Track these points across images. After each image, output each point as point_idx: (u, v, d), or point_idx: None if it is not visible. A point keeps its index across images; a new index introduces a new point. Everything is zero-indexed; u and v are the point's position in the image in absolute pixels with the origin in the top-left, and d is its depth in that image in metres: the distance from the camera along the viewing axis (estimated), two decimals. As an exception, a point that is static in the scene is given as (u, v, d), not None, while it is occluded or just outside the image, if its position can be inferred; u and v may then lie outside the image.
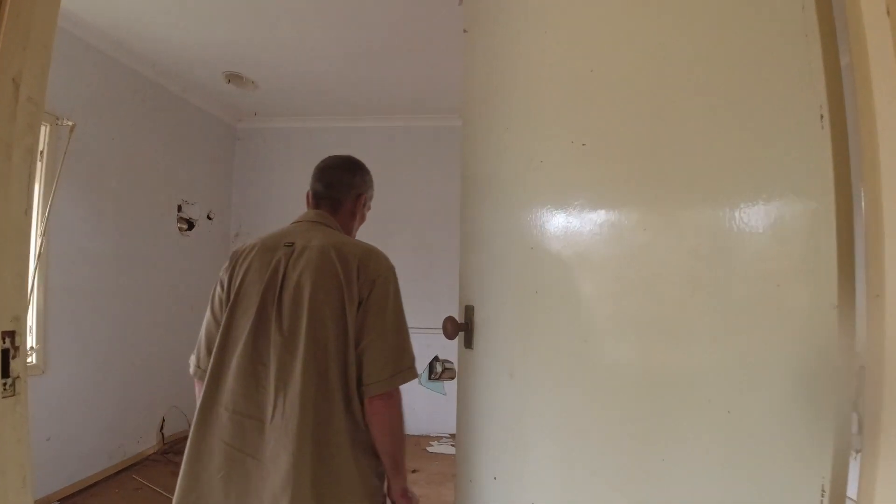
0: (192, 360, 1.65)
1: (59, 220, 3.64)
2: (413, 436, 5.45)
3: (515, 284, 1.16)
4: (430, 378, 5.31)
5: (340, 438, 1.45)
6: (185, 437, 5.07)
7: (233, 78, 4.72)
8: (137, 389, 4.43)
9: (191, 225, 5.14)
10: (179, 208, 4.99)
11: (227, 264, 1.66)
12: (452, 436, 5.40)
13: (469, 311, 1.44)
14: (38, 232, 3.47)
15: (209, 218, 5.40)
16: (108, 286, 4.12)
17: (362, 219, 1.91)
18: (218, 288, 1.65)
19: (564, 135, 0.99)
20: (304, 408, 1.41)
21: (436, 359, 5.16)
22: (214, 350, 1.54)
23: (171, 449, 4.73)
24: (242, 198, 5.79)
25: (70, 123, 3.61)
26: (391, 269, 1.57)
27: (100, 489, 3.95)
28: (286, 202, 5.64)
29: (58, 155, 3.57)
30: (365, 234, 2.14)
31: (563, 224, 1.00)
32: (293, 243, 1.58)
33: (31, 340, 3.50)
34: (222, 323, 1.55)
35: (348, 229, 1.81)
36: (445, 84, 4.63)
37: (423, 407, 5.50)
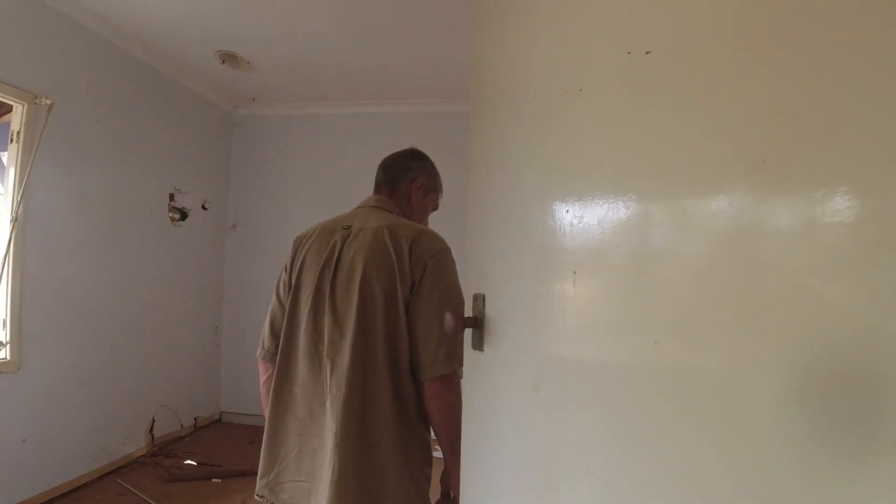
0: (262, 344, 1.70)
1: (37, 206, 3.35)
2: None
3: (545, 262, 0.82)
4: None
5: (386, 424, 1.44)
6: (177, 439, 4.67)
7: (227, 58, 4.42)
8: (124, 388, 4.14)
9: (184, 215, 4.85)
10: (172, 197, 4.70)
11: (291, 250, 1.69)
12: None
13: (479, 301, 1.11)
14: (12, 217, 3.19)
15: (204, 208, 5.11)
16: (92, 278, 3.82)
17: (423, 208, 1.86)
18: (283, 273, 1.68)
19: (617, 41, 0.68)
20: (351, 389, 1.42)
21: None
22: (283, 332, 1.59)
23: (160, 451, 4.44)
24: (240, 187, 5.49)
25: (48, 102, 3.33)
26: (445, 249, 1.55)
27: (80, 495, 3.66)
28: (286, 192, 5.37)
29: (35, 136, 3.29)
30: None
31: (618, 173, 0.68)
32: (350, 226, 1.60)
33: (3, 335, 3.22)
34: (287, 306, 1.60)
35: (407, 214, 1.77)
36: (457, 66, 4.33)
37: (428, 408, 5.19)
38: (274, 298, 1.69)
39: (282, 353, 1.57)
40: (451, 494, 1.56)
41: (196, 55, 4.37)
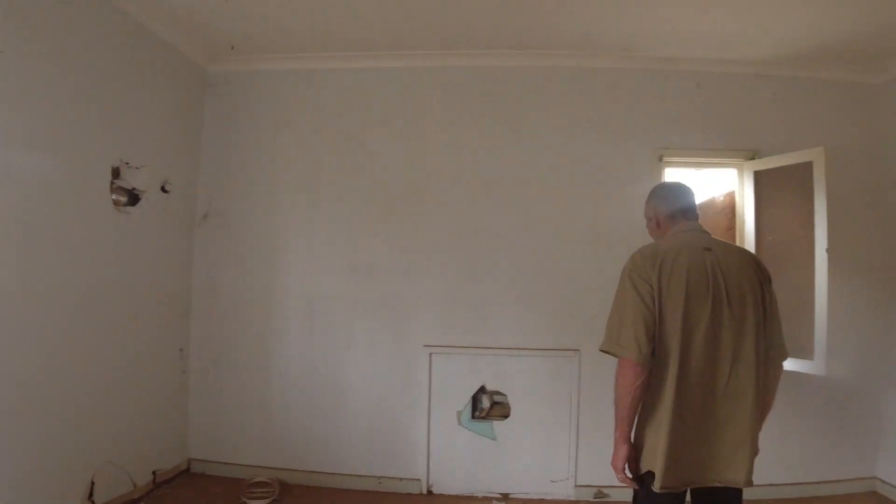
0: (632, 347, 1.92)
1: None
2: (449, 496, 3.84)
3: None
4: (473, 416, 3.79)
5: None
6: (129, 503, 3.56)
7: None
8: (44, 442, 2.82)
9: (134, 198, 3.50)
10: (116, 173, 3.34)
11: (648, 263, 2.01)
12: (505, 496, 3.79)
13: None
14: None
15: (164, 190, 3.76)
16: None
17: None
18: (644, 285, 1.97)
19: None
20: (758, 379, 1.94)
21: (482, 390, 3.54)
22: (678, 337, 1.91)
23: (99, 525, 3.13)
24: (215, 165, 4.14)
25: None
26: None
27: None
28: (275, 174, 4.10)
29: None
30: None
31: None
32: (710, 248, 2.06)
33: None
34: (679, 314, 1.92)
35: None
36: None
37: (464, 456, 3.88)
38: (640, 307, 1.95)
39: (680, 355, 1.90)
40: None
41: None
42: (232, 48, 3.99)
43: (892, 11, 3.19)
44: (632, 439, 2.02)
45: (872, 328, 3.95)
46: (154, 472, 3.74)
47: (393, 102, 4.04)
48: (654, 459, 1.91)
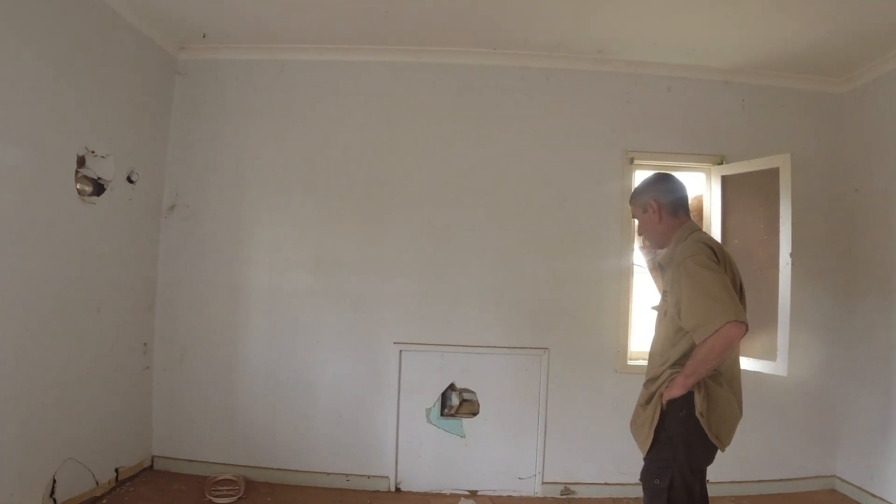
0: (742, 312, 2.11)
1: None
2: (417, 493, 3.99)
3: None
4: (442, 413, 3.92)
5: None
6: (90, 501, 3.60)
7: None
8: (6, 438, 2.87)
9: (99, 188, 3.55)
10: (82, 161, 3.39)
11: (714, 255, 2.25)
12: (473, 493, 3.96)
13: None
14: None
15: (130, 181, 3.81)
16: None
17: None
18: (720, 270, 2.20)
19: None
20: None
21: (451, 387, 3.62)
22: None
23: (61, 524, 3.19)
24: (183, 156, 4.19)
25: None
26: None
27: None
28: (242, 165, 4.15)
29: None
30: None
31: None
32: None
33: None
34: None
35: None
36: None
37: (432, 454, 4.03)
38: (728, 282, 2.17)
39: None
40: None
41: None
42: (203, 36, 4.05)
43: (858, 23, 3.41)
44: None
45: (832, 330, 4.21)
46: (117, 470, 3.80)
47: (365, 97, 4.15)
48: (721, 422, 2.23)
